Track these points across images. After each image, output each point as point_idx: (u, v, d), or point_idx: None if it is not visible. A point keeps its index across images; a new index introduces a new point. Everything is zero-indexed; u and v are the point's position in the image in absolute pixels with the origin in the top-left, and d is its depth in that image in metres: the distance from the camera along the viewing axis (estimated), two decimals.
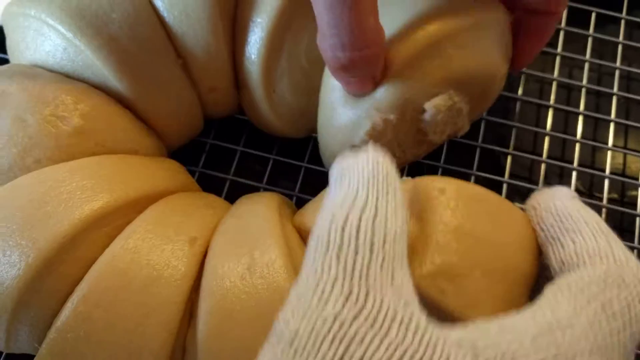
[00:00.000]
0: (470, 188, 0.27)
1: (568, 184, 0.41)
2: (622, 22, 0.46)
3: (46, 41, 0.33)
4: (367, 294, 0.19)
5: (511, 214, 0.27)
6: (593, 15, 0.46)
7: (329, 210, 0.21)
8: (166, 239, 0.29)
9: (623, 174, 0.43)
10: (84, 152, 0.32)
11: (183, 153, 0.38)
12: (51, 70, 0.33)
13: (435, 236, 0.25)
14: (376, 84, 0.29)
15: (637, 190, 0.41)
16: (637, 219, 0.40)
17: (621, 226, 0.41)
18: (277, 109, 0.37)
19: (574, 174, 0.41)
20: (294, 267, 0.27)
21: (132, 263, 0.28)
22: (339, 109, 0.32)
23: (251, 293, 0.27)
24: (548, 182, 0.41)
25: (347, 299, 0.19)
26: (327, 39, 0.26)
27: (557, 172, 0.42)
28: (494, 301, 0.25)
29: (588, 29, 0.46)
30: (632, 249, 0.38)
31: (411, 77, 0.31)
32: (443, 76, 0.32)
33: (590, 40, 0.45)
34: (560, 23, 0.46)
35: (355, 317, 0.19)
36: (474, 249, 0.25)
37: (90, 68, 0.33)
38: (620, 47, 0.45)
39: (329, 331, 0.18)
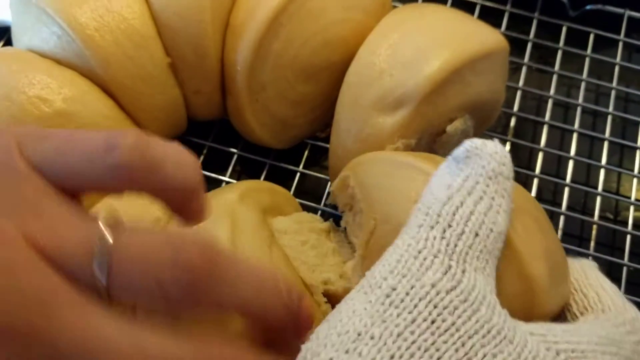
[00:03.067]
0: None
1: (561, 200, 0.41)
2: (621, 44, 0.47)
3: (43, 28, 0.35)
4: (463, 273, 0.21)
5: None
6: (592, 37, 0.47)
7: (447, 188, 0.23)
8: (132, 218, 0.29)
9: (617, 193, 0.43)
10: None
11: None
12: (44, 56, 0.36)
13: None
14: None
15: (629, 209, 0.41)
16: (628, 236, 0.40)
17: (613, 244, 0.41)
18: (259, 117, 0.39)
19: (567, 190, 0.41)
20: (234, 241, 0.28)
21: None
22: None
23: None
24: (541, 198, 0.41)
25: (446, 272, 0.21)
26: None
27: (551, 188, 0.43)
28: (547, 262, 0.27)
29: (586, 49, 0.46)
30: (622, 266, 0.38)
31: (435, 103, 0.34)
32: (461, 101, 0.35)
33: (588, 60, 0.46)
34: (559, 42, 0.47)
35: (452, 289, 0.21)
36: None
37: (79, 57, 0.35)
38: (617, 68, 0.46)
39: (426, 295, 0.20)
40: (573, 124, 0.44)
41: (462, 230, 0.22)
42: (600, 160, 0.43)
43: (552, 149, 0.43)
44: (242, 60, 0.36)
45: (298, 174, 0.41)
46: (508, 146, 0.43)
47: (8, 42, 0.44)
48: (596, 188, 0.42)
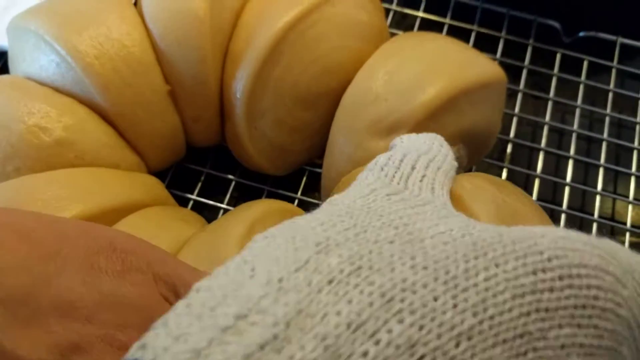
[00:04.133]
0: None
1: (558, 226, 0.41)
2: (614, 70, 0.47)
3: (42, 55, 0.36)
4: (405, 188, 0.22)
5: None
6: (585, 63, 0.47)
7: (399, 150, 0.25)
8: None
9: (612, 219, 0.43)
10: (63, 164, 0.33)
11: (179, 180, 0.39)
12: (43, 84, 0.36)
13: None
14: None
15: (625, 235, 0.41)
16: None
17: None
18: (257, 144, 0.39)
19: (563, 216, 0.41)
20: None
21: None
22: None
23: None
24: None
25: (385, 185, 0.21)
26: None
27: (548, 214, 0.43)
28: None
29: (580, 76, 0.47)
30: None
31: (429, 130, 0.34)
32: (455, 130, 0.35)
33: (582, 87, 0.46)
34: (553, 69, 0.47)
35: (393, 193, 0.21)
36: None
37: (78, 84, 0.35)
38: (611, 95, 0.46)
39: (368, 193, 0.21)
40: (568, 150, 0.45)
41: (398, 165, 0.23)
42: (595, 187, 0.43)
43: (548, 175, 0.43)
44: (242, 87, 0.36)
45: (296, 201, 0.41)
46: (505, 173, 0.44)
47: (4, 67, 0.43)
48: (592, 214, 0.42)
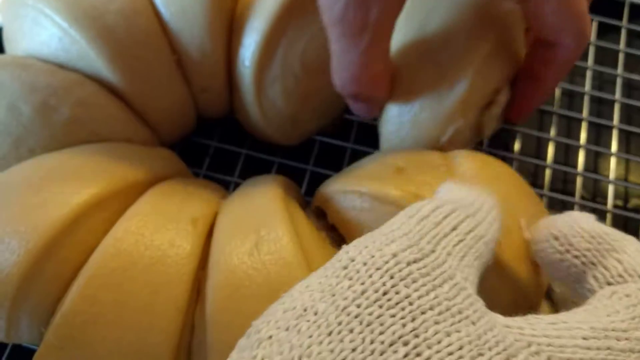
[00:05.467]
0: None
1: (572, 190, 0.41)
2: (623, 30, 0.46)
3: (42, 31, 0.34)
4: (432, 251, 0.20)
5: (525, 186, 0.32)
6: (594, 24, 0.46)
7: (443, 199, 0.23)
8: (169, 220, 0.30)
9: (626, 180, 0.43)
10: (77, 141, 0.33)
11: (187, 155, 0.39)
12: (45, 60, 0.35)
13: None
14: (381, 109, 0.34)
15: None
16: None
17: (625, 232, 0.40)
18: (267, 114, 0.38)
19: (579, 179, 0.41)
20: (300, 244, 0.29)
21: (136, 244, 0.29)
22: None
23: (259, 269, 0.28)
24: (553, 188, 0.41)
25: (411, 246, 0.20)
26: (339, 71, 0.31)
27: (561, 177, 0.42)
28: (533, 261, 0.28)
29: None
30: None
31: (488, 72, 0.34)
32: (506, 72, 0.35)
33: (592, 48, 0.46)
34: None
35: (414, 261, 0.19)
36: (515, 214, 0.28)
37: (84, 59, 0.34)
38: (621, 55, 0.45)
39: (384, 264, 0.19)
40: (580, 113, 0.44)
41: (439, 220, 0.22)
42: (609, 148, 0.43)
43: (561, 138, 0.43)
44: (250, 55, 0.36)
45: (308, 172, 0.41)
46: (518, 139, 0.43)
47: None
48: (607, 176, 0.42)
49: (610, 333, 0.20)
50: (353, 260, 0.19)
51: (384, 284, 0.18)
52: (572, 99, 0.46)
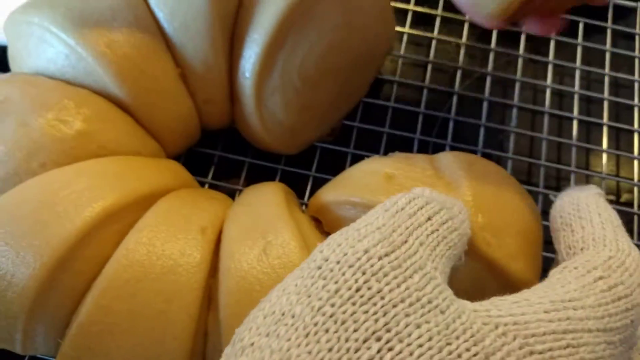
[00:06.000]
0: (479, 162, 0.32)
1: (566, 186, 0.42)
2: (609, 31, 0.48)
3: (48, 48, 0.35)
4: (404, 242, 0.21)
5: (512, 182, 0.32)
6: (581, 25, 0.48)
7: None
8: (178, 229, 0.31)
9: (617, 176, 0.44)
10: (87, 155, 0.34)
11: (192, 165, 0.40)
12: (52, 77, 0.36)
13: (474, 201, 0.29)
14: None
15: (632, 192, 0.43)
16: (635, 217, 0.41)
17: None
18: (266, 124, 0.39)
19: (572, 176, 0.42)
20: (307, 247, 0.30)
21: (148, 255, 0.30)
22: None
23: (269, 273, 0.29)
24: (547, 186, 0.43)
25: (382, 240, 0.21)
26: None
27: (554, 175, 0.44)
28: (525, 257, 0.29)
29: (577, 38, 0.47)
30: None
31: None
32: None
33: (579, 49, 0.47)
34: None
35: (385, 255, 0.20)
36: (505, 212, 0.29)
37: (91, 75, 0.35)
38: (608, 55, 0.47)
39: (356, 261, 0.20)
40: (571, 111, 0.45)
41: (414, 212, 0.22)
42: (600, 145, 0.45)
43: (553, 137, 0.44)
44: (251, 67, 0.37)
45: (311, 178, 0.41)
46: (512, 138, 0.44)
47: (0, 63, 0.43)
48: (600, 172, 0.43)
49: (567, 304, 0.21)
50: (327, 260, 0.20)
51: (356, 281, 0.19)
52: (562, 99, 0.48)
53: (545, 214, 0.40)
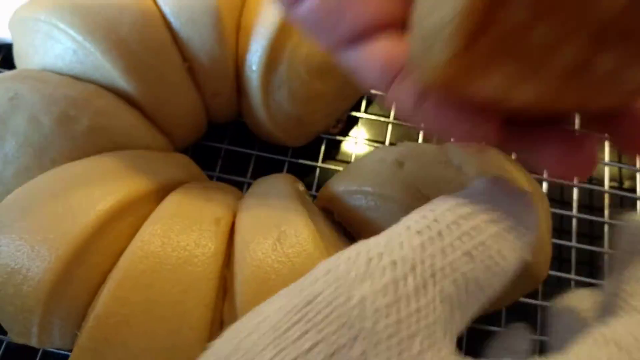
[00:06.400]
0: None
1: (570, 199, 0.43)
2: None
3: (56, 44, 0.35)
4: (417, 290, 0.17)
5: (520, 168, 0.33)
6: None
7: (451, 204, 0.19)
8: (192, 221, 0.31)
9: (620, 162, 0.44)
10: (98, 149, 0.34)
11: (199, 159, 0.40)
12: (60, 73, 0.36)
13: None
14: None
15: (634, 179, 0.43)
16: (638, 202, 0.42)
17: (621, 209, 0.43)
18: (274, 116, 0.39)
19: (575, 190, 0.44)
20: (319, 236, 0.30)
21: (163, 246, 0.30)
22: None
23: (284, 261, 0.29)
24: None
25: (389, 284, 0.17)
26: None
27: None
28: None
29: None
30: None
31: None
32: None
33: None
34: None
35: (386, 306, 0.17)
36: None
37: (99, 70, 0.35)
38: None
39: (349, 311, 0.17)
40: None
41: (442, 248, 0.18)
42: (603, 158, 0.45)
43: None
44: (257, 59, 0.37)
45: (318, 169, 0.42)
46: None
47: (4, 60, 0.43)
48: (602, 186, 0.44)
49: None
50: (317, 297, 0.17)
51: (338, 337, 0.16)
52: None
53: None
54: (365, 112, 0.45)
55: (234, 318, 0.29)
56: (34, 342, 0.31)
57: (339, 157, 0.44)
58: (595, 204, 0.44)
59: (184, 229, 0.30)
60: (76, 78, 0.35)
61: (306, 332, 0.16)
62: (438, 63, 0.16)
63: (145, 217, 0.31)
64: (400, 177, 0.32)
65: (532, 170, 0.37)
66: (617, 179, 0.45)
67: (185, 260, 0.29)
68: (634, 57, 0.15)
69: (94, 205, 0.30)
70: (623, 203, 0.44)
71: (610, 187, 0.44)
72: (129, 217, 0.31)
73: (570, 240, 0.41)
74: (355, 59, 0.20)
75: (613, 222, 0.41)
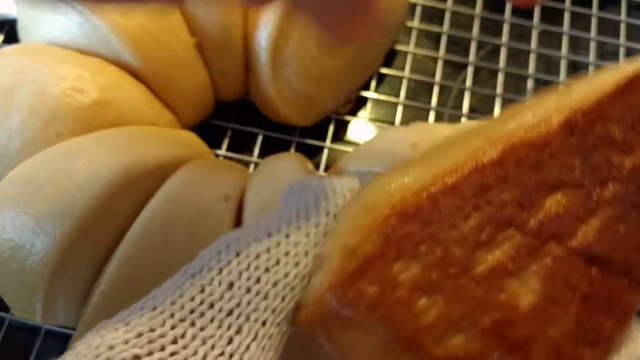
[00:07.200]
0: None
1: None
2: (623, 1, 0.48)
3: (61, 18, 0.35)
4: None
5: None
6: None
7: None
8: (200, 198, 0.30)
9: None
10: (104, 124, 0.33)
11: (206, 137, 0.40)
12: (65, 47, 0.35)
13: None
14: None
15: None
16: None
17: None
18: (282, 93, 0.39)
19: None
20: None
21: (169, 223, 0.29)
22: None
23: None
24: None
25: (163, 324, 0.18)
26: None
27: None
28: None
29: (591, 9, 0.48)
30: None
31: None
32: None
33: (594, 19, 0.47)
34: (564, 3, 0.47)
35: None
36: None
37: (105, 44, 0.35)
38: (622, 26, 0.46)
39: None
40: None
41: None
42: None
43: None
44: (266, 35, 0.36)
45: (326, 150, 0.41)
46: None
47: (8, 36, 0.42)
48: None
49: None
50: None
51: None
52: (576, 70, 0.47)
53: None
54: (376, 92, 0.44)
55: None
56: (38, 319, 0.30)
57: (348, 138, 0.43)
58: None
59: (191, 206, 0.30)
60: (81, 52, 0.35)
61: None
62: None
63: (151, 194, 0.31)
64: (414, 158, 0.31)
65: None
66: None
67: (193, 237, 0.29)
68: None
69: (100, 180, 0.29)
70: None
71: None
72: (134, 193, 0.31)
73: None
74: None
75: None
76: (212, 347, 0.16)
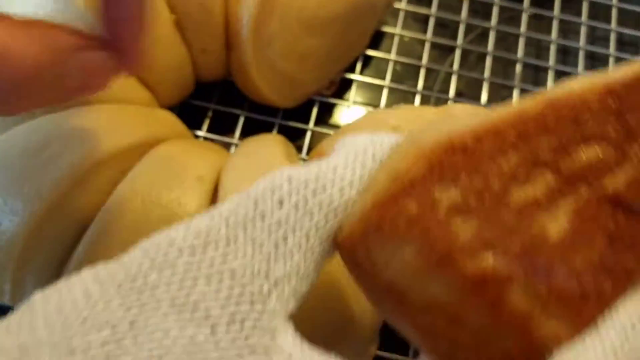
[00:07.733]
0: None
1: None
2: (584, 3, 0.48)
3: None
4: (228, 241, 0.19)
5: None
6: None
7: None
8: (174, 178, 0.30)
9: None
10: (76, 102, 0.32)
11: (186, 118, 0.39)
12: None
13: None
14: None
15: None
16: None
17: None
18: (264, 73, 0.38)
19: None
20: None
21: (142, 203, 0.29)
22: None
23: None
24: None
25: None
26: None
27: None
28: None
29: None
30: None
31: None
32: None
33: (585, 4, 0.46)
34: None
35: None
36: None
37: (81, 19, 0.33)
38: (583, 28, 0.46)
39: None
40: (576, 67, 0.44)
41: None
42: None
43: None
44: (248, 13, 0.35)
45: (309, 132, 0.40)
46: (515, 92, 0.43)
47: None
48: None
49: None
50: (147, 278, 0.18)
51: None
52: (566, 56, 0.46)
53: None
54: (361, 74, 0.43)
55: None
56: (6, 300, 0.30)
57: (332, 121, 0.42)
58: None
59: (165, 186, 0.29)
60: None
61: None
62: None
63: (125, 172, 0.30)
64: None
65: None
66: None
67: (166, 218, 0.28)
68: None
69: (70, 159, 0.29)
70: None
71: None
72: (108, 172, 0.30)
73: None
74: None
75: None
76: (260, 248, 0.18)
